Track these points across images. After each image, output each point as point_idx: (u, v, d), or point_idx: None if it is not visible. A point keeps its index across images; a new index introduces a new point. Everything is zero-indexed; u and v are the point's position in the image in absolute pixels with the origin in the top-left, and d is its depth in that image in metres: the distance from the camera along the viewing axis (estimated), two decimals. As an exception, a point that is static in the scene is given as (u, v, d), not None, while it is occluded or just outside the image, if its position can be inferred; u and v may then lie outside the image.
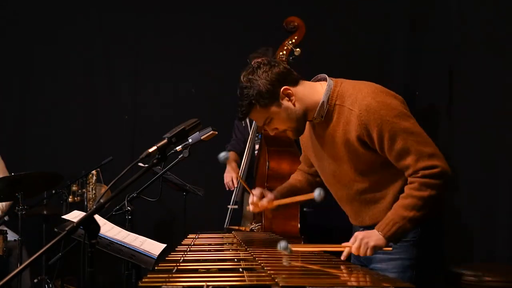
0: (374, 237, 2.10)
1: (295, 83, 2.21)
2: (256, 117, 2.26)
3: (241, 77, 2.21)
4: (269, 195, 2.43)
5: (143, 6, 5.16)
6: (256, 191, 2.44)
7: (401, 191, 2.16)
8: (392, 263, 2.20)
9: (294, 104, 2.19)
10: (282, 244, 1.99)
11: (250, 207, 2.43)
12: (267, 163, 3.47)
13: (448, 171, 2.08)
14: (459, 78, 3.90)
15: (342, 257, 2.11)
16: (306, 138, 2.43)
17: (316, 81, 2.30)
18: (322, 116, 2.22)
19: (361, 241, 2.09)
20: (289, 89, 2.18)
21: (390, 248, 2.13)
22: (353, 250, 2.10)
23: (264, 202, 2.41)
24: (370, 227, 2.19)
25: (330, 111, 2.21)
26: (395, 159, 2.12)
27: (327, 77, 2.26)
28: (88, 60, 5.21)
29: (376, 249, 2.10)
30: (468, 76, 3.81)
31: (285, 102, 2.18)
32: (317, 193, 2.22)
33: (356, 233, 2.15)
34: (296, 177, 2.63)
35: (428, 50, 4.27)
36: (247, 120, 4.05)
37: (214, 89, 5.05)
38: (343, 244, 2.13)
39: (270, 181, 3.42)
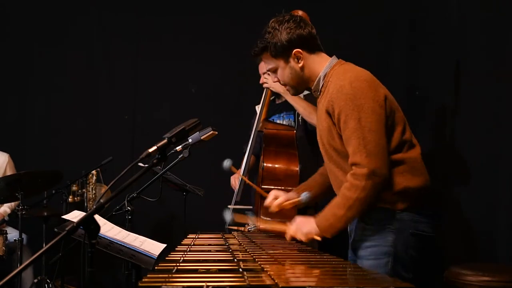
0: (309, 226, 2.27)
1: (311, 50, 2.34)
2: (264, 61, 2.43)
3: (271, 21, 2.36)
4: (285, 196, 2.55)
5: (143, 6, 5.16)
6: (271, 194, 2.57)
7: None
8: (369, 249, 2.27)
9: (301, 68, 2.33)
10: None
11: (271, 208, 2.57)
12: (262, 163, 3.42)
13: (376, 173, 2.11)
14: (458, 76, 3.90)
15: (287, 238, 2.36)
16: None
17: None
18: (319, 91, 2.35)
19: (297, 225, 2.32)
20: (301, 53, 2.31)
21: (319, 238, 2.29)
22: (290, 231, 2.34)
23: (279, 201, 2.54)
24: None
25: (324, 87, 2.32)
26: (345, 144, 2.20)
27: (335, 56, 2.38)
28: (88, 60, 5.21)
29: (308, 236, 2.28)
30: (467, 75, 3.80)
31: (293, 63, 2.33)
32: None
33: (296, 217, 2.36)
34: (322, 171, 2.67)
35: (428, 49, 4.26)
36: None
37: (214, 89, 5.05)
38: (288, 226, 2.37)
39: (265, 182, 3.34)
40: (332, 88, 2.25)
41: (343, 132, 2.19)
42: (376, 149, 2.13)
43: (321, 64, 2.35)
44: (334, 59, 2.37)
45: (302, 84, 2.40)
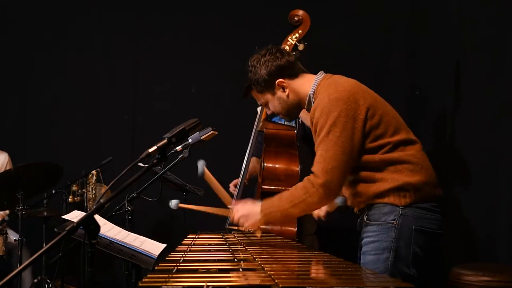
0: (252, 217, 2.34)
1: (294, 76, 2.44)
2: (255, 97, 2.62)
3: (249, 60, 2.49)
4: None
5: (143, 6, 5.16)
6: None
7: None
8: (371, 245, 2.29)
9: (288, 95, 2.44)
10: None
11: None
12: (263, 163, 3.40)
13: (327, 186, 2.20)
14: (458, 76, 3.90)
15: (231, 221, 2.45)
16: None
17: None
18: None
19: (243, 214, 2.38)
20: (284, 82, 2.42)
21: (259, 235, 2.42)
22: (233, 220, 2.41)
23: None
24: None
25: (314, 103, 2.37)
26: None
27: (321, 72, 2.45)
28: (88, 60, 5.21)
29: (250, 228, 2.40)
30: (467, 75, 3.80)
31: (279, 93, 2.45)
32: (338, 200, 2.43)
33: (240, 205, 2.42)
34: None
35: (428, 49, 4.26)
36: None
37: (214, 89, 5.05)
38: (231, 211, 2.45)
39: (266, 183, 3.34)
40: (315, 102, 2.33)
41: (316, 142, 2.29)
42: (334, 164, 2.20)
43: (307, 85, 2.42)
44: (320, 75, 2.42)
45: (294, 110, 2.50)
